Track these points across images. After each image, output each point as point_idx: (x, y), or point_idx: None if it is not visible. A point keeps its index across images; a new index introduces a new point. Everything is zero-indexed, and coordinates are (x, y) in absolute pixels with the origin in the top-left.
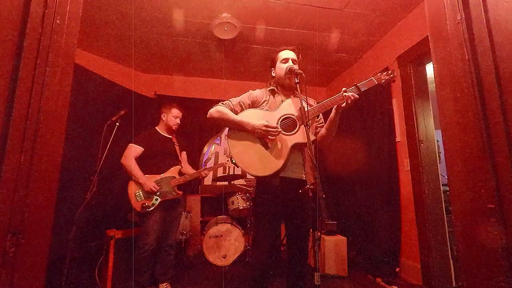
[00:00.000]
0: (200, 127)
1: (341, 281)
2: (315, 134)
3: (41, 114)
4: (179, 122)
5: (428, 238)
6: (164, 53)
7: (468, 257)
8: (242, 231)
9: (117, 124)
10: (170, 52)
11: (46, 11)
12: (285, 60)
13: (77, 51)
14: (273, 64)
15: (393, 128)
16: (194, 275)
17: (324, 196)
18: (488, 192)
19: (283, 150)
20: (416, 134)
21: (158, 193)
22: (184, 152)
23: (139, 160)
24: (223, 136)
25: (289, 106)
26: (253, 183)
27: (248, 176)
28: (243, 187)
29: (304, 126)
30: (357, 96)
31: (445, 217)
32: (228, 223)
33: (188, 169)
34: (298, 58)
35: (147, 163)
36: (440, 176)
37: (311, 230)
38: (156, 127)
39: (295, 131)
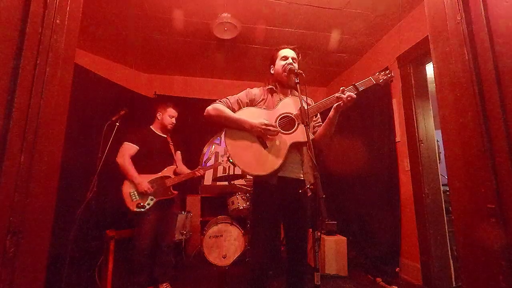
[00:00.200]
0: (200, 127)
1: (341, 281)
2: (313, 133)
3: (41, 114)
4: (174, 121)
5: (428, 238)
6: (164, 53)
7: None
8: (242, 231)
9: (117, 124)
10: (170, 52)
11: (46, 11)
12: (285, 58)
13: (77, 51)
14: (272, 61)
15: (393, 128)
16: (194, 275)
17: (324, 196)
18: (488, 192)
19: (281, 149)
20: (416, 134)
21: (154, 193)
22: (179, 152)
23: (134, 159)
24: (223, 136)
25: (287, 105)
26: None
27: (248, 176)
28: (243, 187)
29: (304, 126)
30: (354, 95)
31: (445, 217)
32: (228, 223)
33: (183, 169)
34: (298, 57)
35: (142, 162)
36: (440, 176)
37: (311, 230)
38: (151, 126)
39: (293, 130)
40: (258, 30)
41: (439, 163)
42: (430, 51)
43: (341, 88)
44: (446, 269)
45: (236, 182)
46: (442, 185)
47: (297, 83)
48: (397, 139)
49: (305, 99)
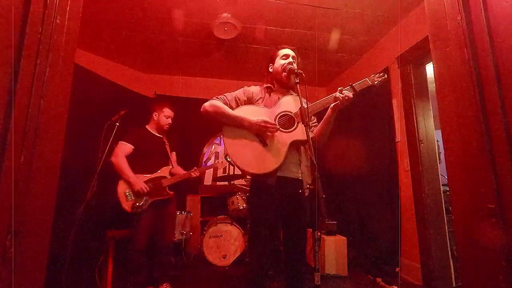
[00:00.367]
0: (200, 127)
1: (341, 281)
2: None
3: (41, 114)
4: (170, 122)
5: (428, 238)
6: (164, 53)
7: (468, 257)
8: (242, 231)
9: (117, 124)
10: (170, 52)
11: (46, 11)
12: (286, 57)
13: (77, 51)
14: (271, 60)
15: (393, 128)
16: (194, 275)
17: (324, 196)
18: (488, 192)
19: (281, 147)
20: (416, 134)
21: (149, 193)
22: (174, 153)
23: (129, 158)
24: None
25: (286, 103)
26: None
27: (248, 176)
28: (243, 187)
29: (304, 126)
30: (351, 95)
31: (445, 217)
32: (228, 223)
33: (178, 170)
34: (297, 58)
35: (137, 162)
36: (440, 176)
37: (311, 230)
38: (147, 126)
39: (293, 128)
40: (258, 30)
41: (439, 163)
42: (430, 51)
43: (339, 88)
44: (446, 269)
45: (236, 182)
46: (442, 185)
47: (297, 83)
48: (397, 139)
49: (306, 99)
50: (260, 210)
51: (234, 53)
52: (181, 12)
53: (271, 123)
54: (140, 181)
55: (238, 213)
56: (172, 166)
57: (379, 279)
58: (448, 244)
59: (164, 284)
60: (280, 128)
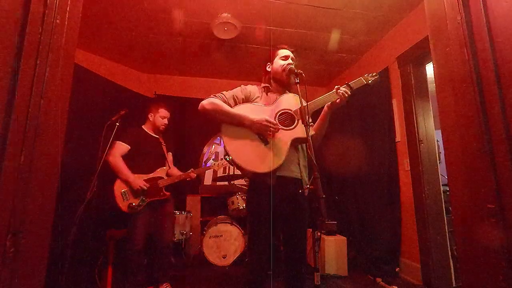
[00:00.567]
0: (200, 127)
1: (341, 281)
2: None
3: (41, 114)
4: (166, 122)
5: (428, 238)
6: (164, 53)
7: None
8: (242, 231)
9: (117, 124)
10: (170, 52)
11: (46, 11)
12: (285, 58)
13: (77, 51)
14: (270, 59)
15: (393, 128)
16: (194, 275)
17: (324, 196)
18: (488, 192)
19: (282, 146)
20: (416, 134)
21: (145, 193)
22: (170, 153)
23: (125, 158)
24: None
25: (285, 101)
26: None
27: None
28: (243, 187)
29: (305, 126)
30: (349, 93)
31: (445, 217)
32: (228, 223)
33: (174, 171)
34: (294, 61)
35: (133, 162)
36: (440, 176)
37: (311, 230)
38: (143, 126)
39: (294, 126)
40: (258, 30)
41: (439, 163)
42: (430, 51)
43: (336, 87)
44: (446, 269)
45: (236, 182)
46: (442, 185)
47: (297, 83)
48: (397, 139)
49: (306, 98)
50: (260, 210)
51: (234, 53)
52: (181, 12)
53: (273, 122)
54: (139, 179)
55: (238, 213)
56: (169, 167)
57: (379, 279)
58: (448, 244)
59: (164, 284)
60: (281, 127)
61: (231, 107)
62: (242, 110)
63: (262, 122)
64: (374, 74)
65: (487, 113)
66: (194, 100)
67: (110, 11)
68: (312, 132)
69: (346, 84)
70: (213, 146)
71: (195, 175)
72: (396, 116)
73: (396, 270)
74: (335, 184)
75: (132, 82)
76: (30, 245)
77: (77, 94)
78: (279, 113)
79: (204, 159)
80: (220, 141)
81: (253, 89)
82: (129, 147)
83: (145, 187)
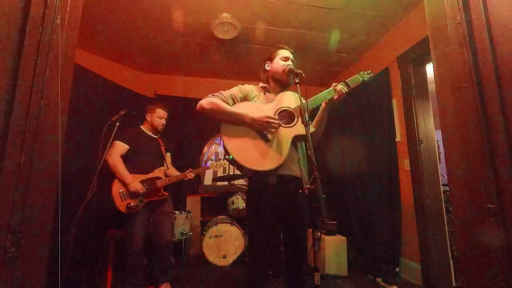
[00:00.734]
0: (200, 127)
1: (341, 281)
2: None
3: (41, 114)
4: (164, 122)
5: (428, 238)
6: (164, 53)
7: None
8: (242, 231)
9: (117, 124)
10: (170, 52)
11: (46, 11)
12: (286, 59)
13: (77, 51)
14: (270, 58)
15: (393, 128)
16: (194, 275)
17: (324, 196)
18: (488, 192)
19: (283, 143)
20: (416, 134)
21: (143, 193)
22: (169, 154)
23: (123, 158)
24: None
25: (284, 99)
26: None
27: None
28: (243, 187)
29: (305, 126)
30: (346, 89)
31: (445, 217)
32: (228, 223)
33: (173, 171)
34: (295, 61)
35: (132, 162)
36: (440, 176)
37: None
38: (141, 126)
39: (294, 123)
40: (258, 30)
41: (439, 163)
42: (430, 51)
43: (333, 84)
44: (446, 269)
45: (236, 182)
46: (442, 185)
47: (297, 83)
48: (397, 139)
49: (306, 98)
50: (260, 209)
51: (234, 53)
52: (181, 12)
53: (274, 119)
54: (136, 182)
55: (238, 213)
56: (167, 167)
57: (379, 279)
58: (448, 244)
59: (164, 284)
60: (282, 124)
61: (229, 105)
62: (242, 108)
63: (263, 119)
64: (369, 71)
65: (487, 113)
66: (194, 100)
67: (110, 11)
68: (312, 129)
69: (343, 81)
70: (213, 146)
71: (193, 175)
72: (396, 116)
73: (396, 270)
74: (335, 184)
75: (132, 82)
76: (30, 245)
77: (77, 94)
78: (278, 111)
79: (204, 159)
80: (220, 141)
81: (251, 88)
82: (128, 147)
83: (141, 191)
